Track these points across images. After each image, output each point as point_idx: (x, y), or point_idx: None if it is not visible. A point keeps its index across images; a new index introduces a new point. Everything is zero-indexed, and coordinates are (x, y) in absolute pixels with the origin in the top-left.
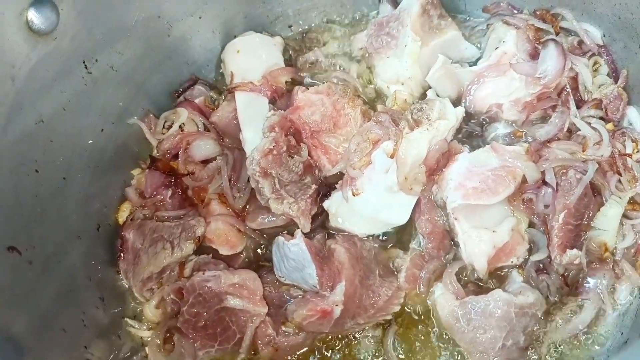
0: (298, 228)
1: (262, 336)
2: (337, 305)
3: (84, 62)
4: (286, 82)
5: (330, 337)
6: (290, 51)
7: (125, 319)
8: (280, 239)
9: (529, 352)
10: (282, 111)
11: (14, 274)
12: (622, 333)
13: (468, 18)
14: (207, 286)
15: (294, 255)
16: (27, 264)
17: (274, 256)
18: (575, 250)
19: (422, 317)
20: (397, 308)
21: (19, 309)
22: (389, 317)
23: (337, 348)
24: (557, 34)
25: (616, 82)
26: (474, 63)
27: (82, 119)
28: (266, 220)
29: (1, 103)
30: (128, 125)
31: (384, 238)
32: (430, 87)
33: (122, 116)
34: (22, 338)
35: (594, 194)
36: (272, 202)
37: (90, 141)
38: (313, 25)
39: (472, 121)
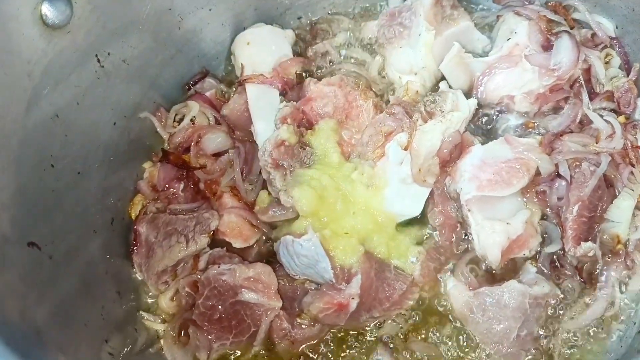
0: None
1: (278, 330)
2: (353, 298)
3: (96, 56)
4: (296, 72)
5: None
6: (300, 43)
7: (141, 312)
8: (288, 238)
9: (543, 342)
10: (294, 103)
11: (35, 268)
12: (634, 323)
13: (478, 9)
14: (222, 279)
15: (306, 251)
16: (47, 259)
17: (282, 257)
18: (589, 243)
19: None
20: (412, 302)
21: (40, 299)
22: (403, 311)
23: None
24: (571, 28)
25: (628, 75)
26: (485, 54)
27: (95, 113)
28: (277, 213)
29: (19, 99)
30: (140, 119)
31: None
32: (442, 78)
33: (134, 110)
34: (45, 329)
35: (607, 186)
36: (283, 194)
37: (104, 135)
38: (322, 16)
39: (484, 112)
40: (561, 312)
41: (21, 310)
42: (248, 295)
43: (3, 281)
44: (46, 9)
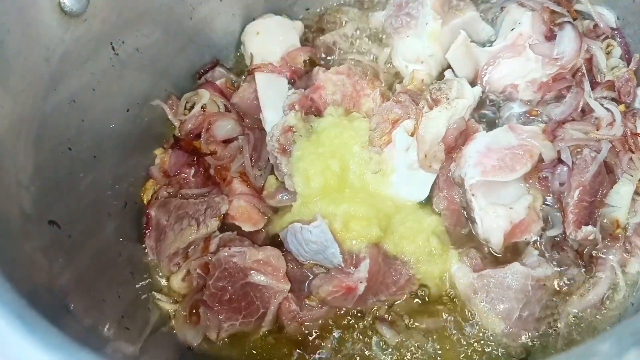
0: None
1: (287, 312)
2: (361, 282)
3: (111, 44)
4: (304, 61)
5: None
6: (309, 34)
7: (153, 293)
8: (296, 225)
9: (545, 324)
10: (303, 90)
11: (55, 245)
12: (632, 304)
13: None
14: (233, 261)
15: (315, 237)
16: (66, 238)
17: (290, 245)
18: (590, 227)
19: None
20: (416, 287)
21: (62, 272)
22: (406, 295)
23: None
24: (574, 19)
25: (628, 65)
26: (490, 44)
27: (109, 100)
28: (284, 198)
29: (38, 84)
30: (152, 107)
31: None
32: (448, 67)
33: (146, 98)
34: (71, 295)
35: (607, 172)
36: (288, 178)
37: (117, 121)
38: (330, 7)
39: (488, 100)
40: (562, 294)
41: (48, 278)
42: (257, 278)
43: (26, 251)
44: None
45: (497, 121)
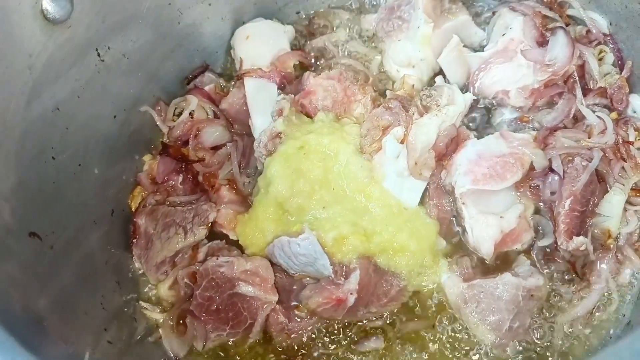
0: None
1: (275, 324)
2: (351, 293)
3: (96, 50)
4: (294, 65)
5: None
6: (300, 38)
7: (140, 302)
8: (283, 239)
9: (536, 334)
10: (293, 96)
11: (37, 258)
12: (624, 315)
13: (474, 4)
14: (220, 271)
15: (304, 250)
16: (48, 249)
17: (279, 259)
18: (581, 237)
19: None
20: (407, 298)
21: (42, 289)
22: (399, 306)
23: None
24: (567, 25)
25: (621, 71)
26: (481, 49)
27: (95, 107)
28: None
29: (20, 92)
30: (139, 113)
31: None
32: (440, 71)
33: (134, 103)
34: (47, 318)
35: (599, 181)
36: None
37: (104, 128)
38: (321, 10)
39: (479, 106)
40: (554, 305)
41: (24, 300)
42: (245, 288)
43: (5, 272)
44: (47, 4)
45: (488, 128)
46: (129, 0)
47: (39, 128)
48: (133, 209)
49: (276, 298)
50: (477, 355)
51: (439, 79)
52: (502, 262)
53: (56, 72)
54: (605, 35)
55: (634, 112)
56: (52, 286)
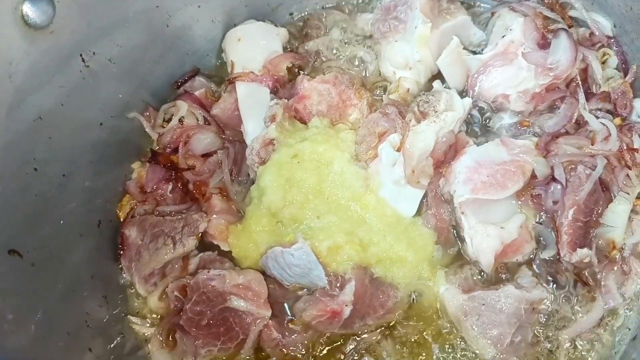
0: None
1: (269, 340)
2: (346, 305)
3: (81, 55)
4: (287, 67)
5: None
6: (293, 40)
7: (128, 317)
8: (276, 249)
9: (539, 348)
10: (286, 100)
11: (16, 278)
12: (629, 329)
13: (473, 4)
14: (212, 285)
15: (298, 260)
16: (29, 266)
17: (273, 270)
18: (585, 250)
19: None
20: (404, 309)
21: (22, 316)
22: (396, 318)
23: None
24: (569, 26)
25: (625, 75)
26: (480, 50)
27: (81, 114)
28: None
29: (0, 102)
30: (128, 119)
31: None
32: (437, 73)
33: (122, 109)
34: (24, 350)
35: (603, 189)
36: None
37: (91, 136)
38: (314, 11)
39: (478, 111)
40: (557, 318)
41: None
42: (237, 303)
43: None
44: (27, 9)
45: (487, 132)
46: (115, 4)
47: (20, 139)
48: (121, 219)
49: (269, 313)
50: None
51: (436, 84)
52: (503, 273)
53: (39, 79)
54: (608, 37)
55: (639, 117)
56: (33, 307)
